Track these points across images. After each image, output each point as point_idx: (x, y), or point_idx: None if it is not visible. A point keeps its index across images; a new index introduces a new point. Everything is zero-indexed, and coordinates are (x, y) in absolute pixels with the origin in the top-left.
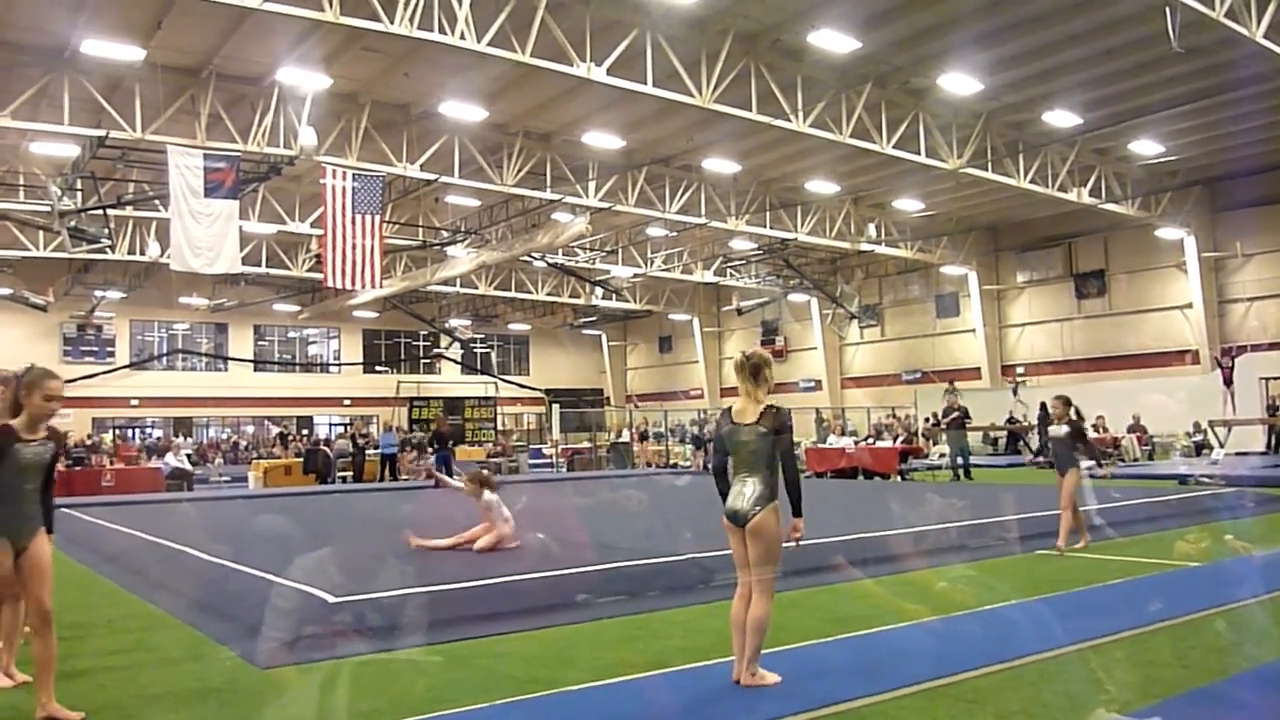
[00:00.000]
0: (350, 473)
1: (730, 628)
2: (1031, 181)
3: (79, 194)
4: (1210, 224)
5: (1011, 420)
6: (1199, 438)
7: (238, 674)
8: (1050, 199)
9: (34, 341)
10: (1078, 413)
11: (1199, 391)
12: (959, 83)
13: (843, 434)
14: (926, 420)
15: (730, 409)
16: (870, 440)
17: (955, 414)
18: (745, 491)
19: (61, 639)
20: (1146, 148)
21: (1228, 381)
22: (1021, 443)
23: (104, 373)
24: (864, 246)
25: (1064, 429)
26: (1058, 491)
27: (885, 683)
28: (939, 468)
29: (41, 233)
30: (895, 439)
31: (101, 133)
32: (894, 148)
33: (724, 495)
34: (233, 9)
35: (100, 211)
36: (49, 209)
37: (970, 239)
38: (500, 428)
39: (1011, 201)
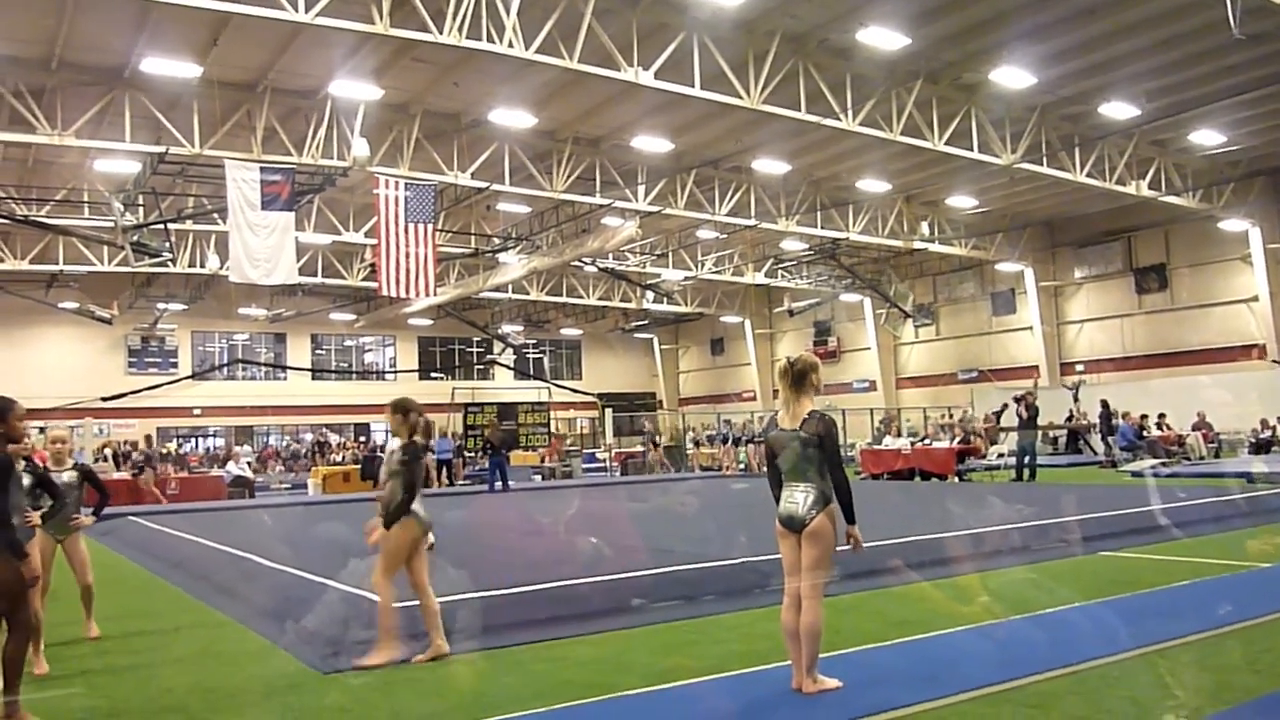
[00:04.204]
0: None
1: (783, 635)
2: (1088, 175)
3: (140, 209)
4: (1276, 214)
5: (1071, 418)
6: (1266, 434)
7: (300, 679)
8: (1108, 193)
9: (100, 354)
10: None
11: (1266, 387)
12: (1012, 77)
13: (899, 435)
14: (985, 418)
15: (776, 414)
16: (926, 441)
17: (1022, 409)
18: (798, 497)
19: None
20: (1207, 138)
21: None
22: (1082, 441)
23: (167, 383)
24: (917, 245)
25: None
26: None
27: (945, 688)
28: (997, 468)
29: (105, 248)
30: (953, 439)
31: (161, 149)
32: (946, 144)
33: (778, 500)
34: (286, 25)
35: (161, 226)
36: (112, 225)
37: (1026, 235)
38: (554, 432)
39: (1068, 196)
